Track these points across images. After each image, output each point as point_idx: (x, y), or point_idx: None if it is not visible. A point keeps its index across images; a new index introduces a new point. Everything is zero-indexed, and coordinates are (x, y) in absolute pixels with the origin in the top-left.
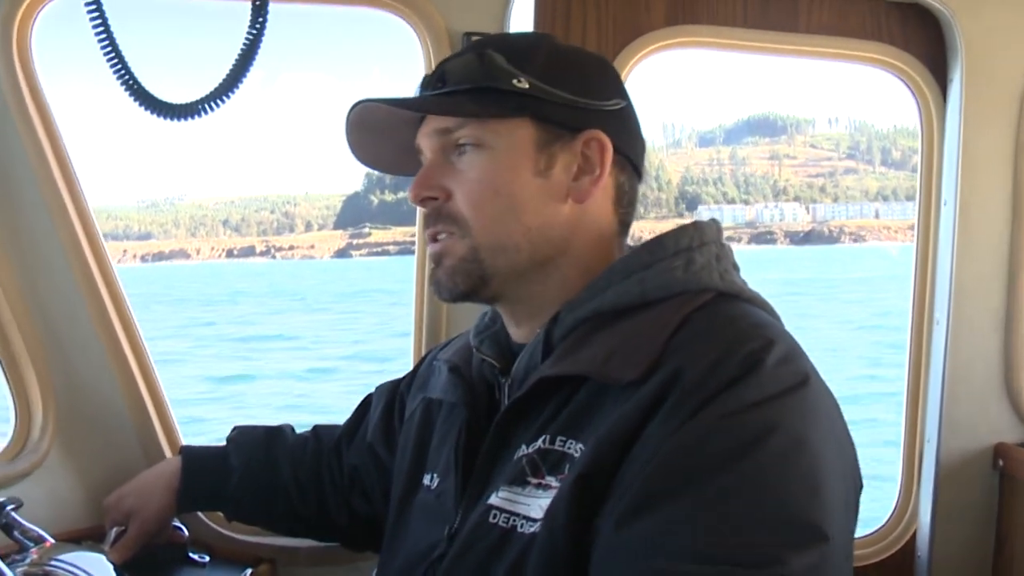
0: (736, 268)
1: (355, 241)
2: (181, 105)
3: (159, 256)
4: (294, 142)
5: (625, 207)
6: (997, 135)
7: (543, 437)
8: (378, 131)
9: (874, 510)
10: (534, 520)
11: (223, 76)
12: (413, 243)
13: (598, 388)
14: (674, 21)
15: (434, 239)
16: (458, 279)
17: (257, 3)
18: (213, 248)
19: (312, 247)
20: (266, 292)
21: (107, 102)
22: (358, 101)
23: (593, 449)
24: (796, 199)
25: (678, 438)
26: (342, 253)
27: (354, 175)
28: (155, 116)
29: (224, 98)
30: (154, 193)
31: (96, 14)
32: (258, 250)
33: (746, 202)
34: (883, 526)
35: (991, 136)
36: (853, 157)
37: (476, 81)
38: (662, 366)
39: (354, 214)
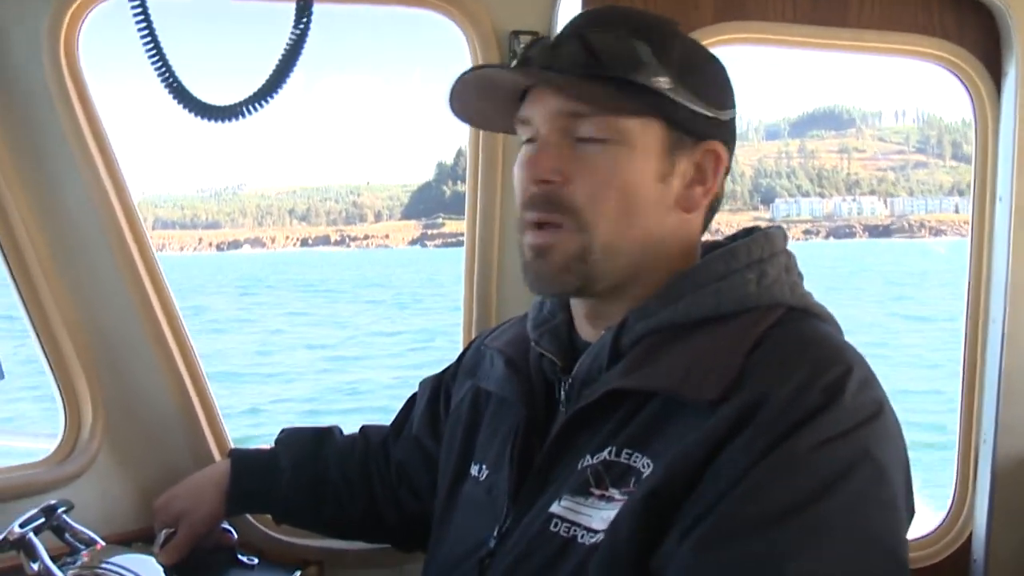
0: (801, 277)
1: (429, 231)
2: (223, 107)
3: (234, 244)
4: (352, 134)
5: (714, 213)
6: None
7: (609, 448)
8: (482, 89)
9: None
10: (595, 531)
11: (266, 77)
12: None
13: (669, 403)
14: (723, 17)
15: (538, 226)
16: (567, 278)
17: (302, 3)
18: (288, 237)
19: (387, 236)
20: None
21: (160, 97)
22: (496, 66)
23: (667, 467)
24: (872, 192)
25: (766, 466)
26: (417, 242)
27: (417, 166)
28: (197, 117)
29: (267, 100)
30: (214, 182)
31: (141, 15)
32: (332, 239)
33: (820, 195)
34: (938, 528)
35: None
36: (923, 151)
37: (622, 70)
38: (741, 387)
39: (426, 204)
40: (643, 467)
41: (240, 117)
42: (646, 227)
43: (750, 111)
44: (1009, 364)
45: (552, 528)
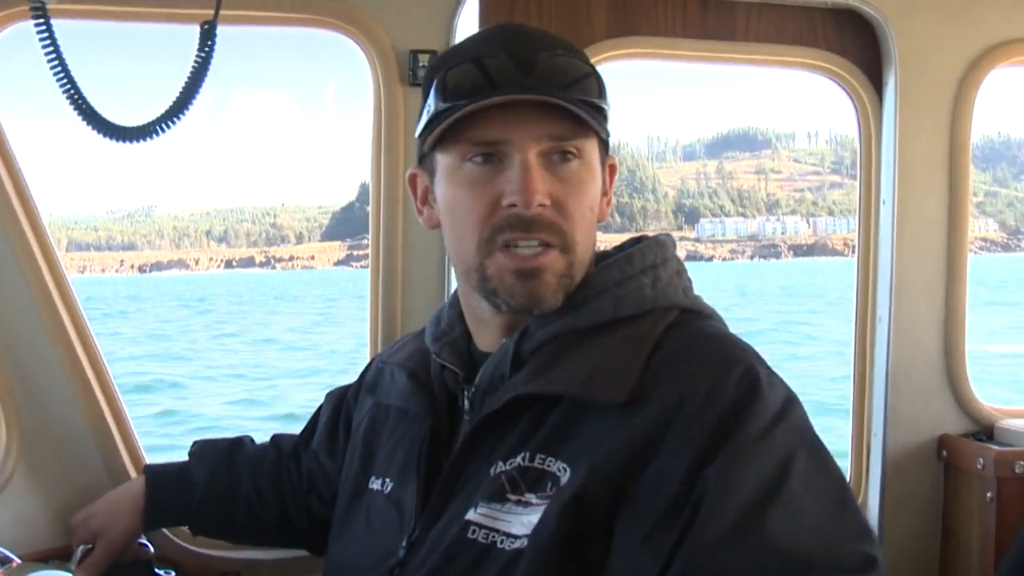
0: (690, 281)
1: (355, 252)
2: (133, 128)
3: (157, 266)
4: (264, 156)
5: None
6: (932, 136)
7: (522, 455)
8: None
9: None
10: (515, 536)
11: (173, 98)
12: None
13: (575, 407)
14: (616, 33)
15: (528, 246)
16: (560, 295)
17: (205, 27)
18: (212, 259)
19: (312, 258)
20: None
21: (63, 120)
22: (513, 96)
23: (588, 473)
24: (794, 212)
25: (720, 466)
26: (343, 263)
27: (333, 188)
28: (107, 139)
29: (175, 120)
30: (125, 203)
31: (47, 40)
32: (257, 261)
33: (743, 215)
34: None
35: (926, 137)
36: (838, 172)
37: (592, 93)
38: (649, 389)
39: (350, 225)
40: (559, 471)
41: (150, 137)
42: (594, 241)
43: (667, 133)
44: (895, 360)
45: (470, 535)
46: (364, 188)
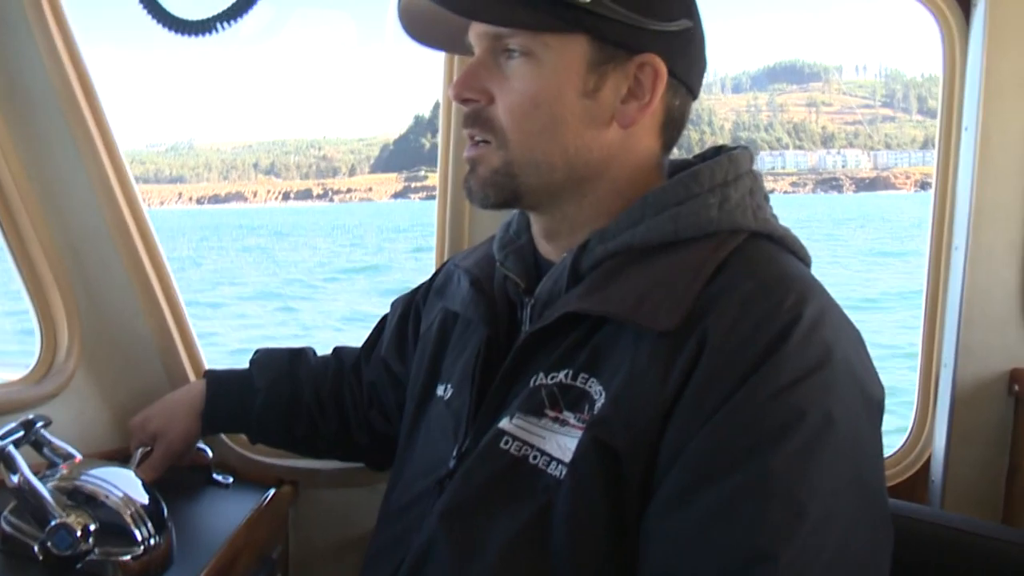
0: (766, 199)
1: (412, 184)
2: (193, 21)
3: (215, 199)
4: (307, 86)
5: (672, 131)
6: (1021, 60)
7: (565, 371)
8: (430, 17)
9: None
10: (549, 456)
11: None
12: None
13: (623, 328)
14: None
15: (472, 141)
16: (489, 191)
17: None
18: (269, 191)
19: (370, 190)
20: None
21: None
22: None
23: (612, 404)
24: (850, 145)
25: (713, 429)
26: (400, 195)
27: (375, 119)
28: (168, 31)
29: (236, 19)
30: (162, 137)
31: None
32: (315, 193)
33: (800, 148)
34: (898, 450)
35: (1015, 62)
36: (890, 105)
37: None
38: (697, 320)
39: (404, 157)
40: (596, 395)
41: (210, 32)
42: (571, 142)
43: (713, 65)
44: (970, 289)
45: (502, 445)
46: (419, 120)
